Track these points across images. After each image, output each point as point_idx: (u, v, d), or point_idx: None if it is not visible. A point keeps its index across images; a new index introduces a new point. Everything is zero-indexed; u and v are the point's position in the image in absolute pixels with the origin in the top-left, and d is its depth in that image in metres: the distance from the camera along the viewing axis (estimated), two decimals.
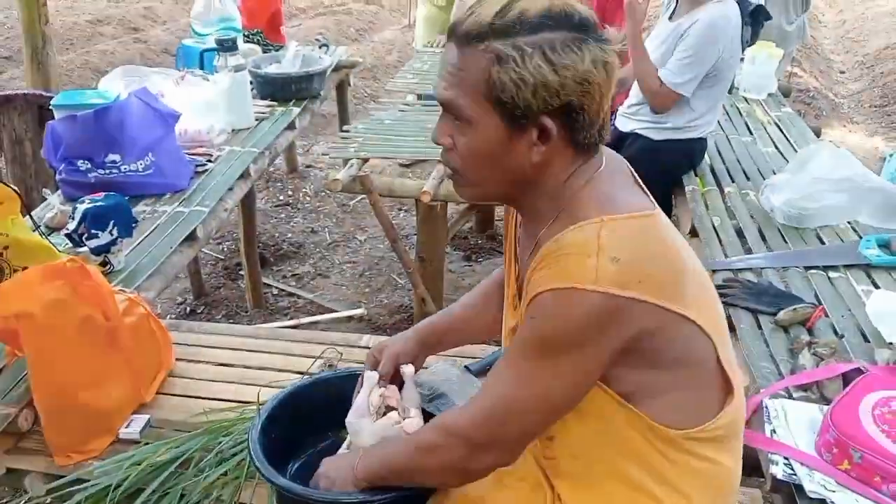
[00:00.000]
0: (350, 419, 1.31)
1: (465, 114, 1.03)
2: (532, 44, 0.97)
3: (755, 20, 2.68)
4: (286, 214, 4.28)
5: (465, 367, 1.69)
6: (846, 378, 1.60)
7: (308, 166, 4.83)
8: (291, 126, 3.18)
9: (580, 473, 1.15)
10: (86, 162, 2.42)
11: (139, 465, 1.40)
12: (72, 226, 1.99)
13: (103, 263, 2.00)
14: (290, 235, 4.04)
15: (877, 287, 2.02)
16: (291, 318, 3.24)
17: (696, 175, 2.79)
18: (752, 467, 1.46)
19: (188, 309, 3.38)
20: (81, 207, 2.00)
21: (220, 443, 1.48)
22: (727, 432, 1.13)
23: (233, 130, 2.96)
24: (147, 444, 1.49)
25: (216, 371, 1.77)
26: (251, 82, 3.21)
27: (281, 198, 4.45)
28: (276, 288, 3.54)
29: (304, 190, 4.54)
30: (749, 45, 2.80)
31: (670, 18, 2.71)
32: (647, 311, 0.98)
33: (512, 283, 1.23)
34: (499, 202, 1.16)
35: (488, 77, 0.99)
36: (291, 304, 3.42)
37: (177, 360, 1.78)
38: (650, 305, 0.97)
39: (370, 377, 1.34)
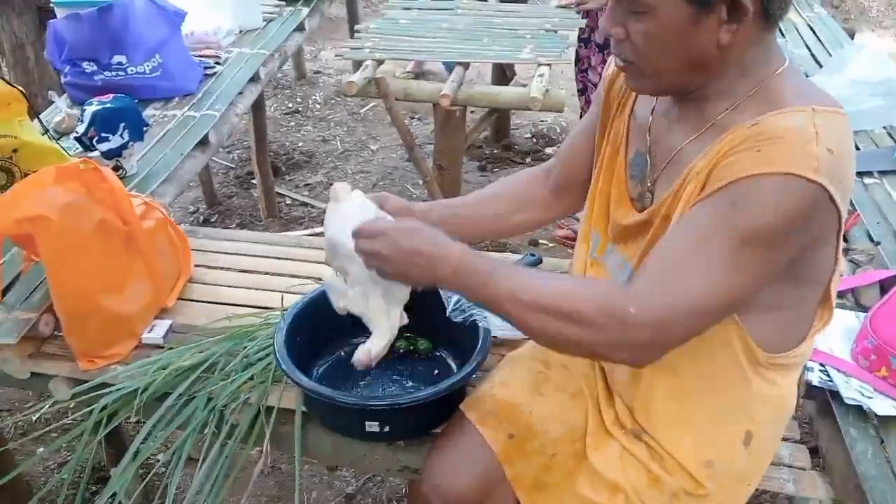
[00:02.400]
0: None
1: (642, 1, 0.93)
2: None
3: None
4: (296, 123, 4.19)
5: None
6: (883, 286, 1.56)
7: (317, 72, 4.69)
8: (300, 27, 3.06)
9: (658, 382, 1.10)
10: (91, 63, 2.33)
11: (164, 369, 1.38)
12: (81, 129, 1.93)
13: (115, 168, 1.94)
14: (300, 144, 3.95)
15: None
16: (306, 228, 3.20)
17: None
18: None
19: (201, 218, 3.34)
20: (90, 110, 1.93)
21: (245, 347, 1.45)
22: (801, 361, 1.11)
23: (240, 31, 2.84)
24: (171, 348, 1.47)
25: (236, 277, 1.73)
26: None
27: (290, 105, 4.34)
28: (290, 197, 3.48)
29: (313, 97, 4.42)
30: None
31: None
32: (831, 216, 0.92)
33: (621, 177, 1.13)
34: (682, 92, 1.01)
35: None
36: (305, 214, 3.37)
37: (196, 266, 1.75)
38: (836, 211, 0.91)
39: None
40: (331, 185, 3.70)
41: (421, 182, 2.92)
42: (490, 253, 2.14)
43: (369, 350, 1.17)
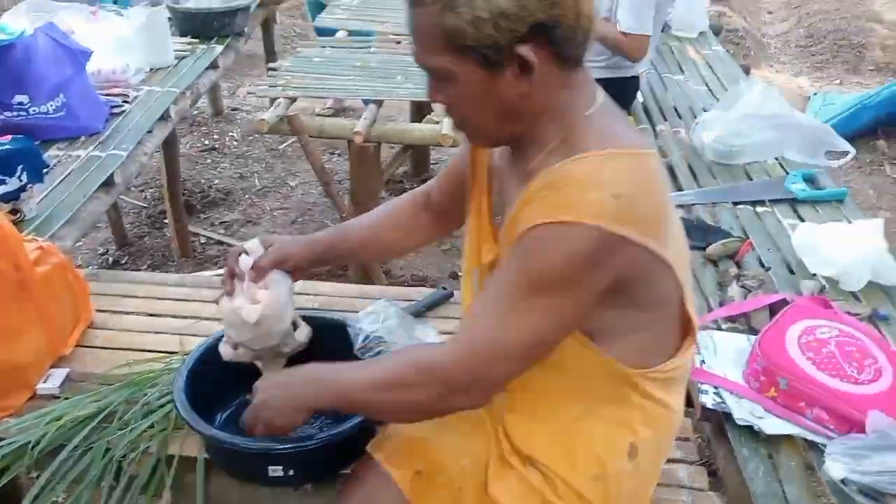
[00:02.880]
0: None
1: (440, 71, 1.00)
2: None
3: None
4: (212, 160, 4.12)
5: (403, 309, 1.66)
6: (773, 309, 1.64)
7: (234, 109, 4.65)
8: (214, 65, 3.04)
9: (530, 407, 1.14)
10: None
11: (58, 420, 1.33)
12: None
13: (13, 211, 1.88)
14: (217, 181, 3.90)
15: (802, 221, 2.07)
16: (221, 267, 3.14)
17: (629, 114, 2.79)
18: (685, 399, 1.50)
19: (111, 259, 3.24)
20: None
21: (146, 395, 1.42)
22: (678, 374, 1.15)
23: (151, 69, 2.80)
24: (67, 398, 1.42)
25: (140, 321, 1.69)
26: (169, 18, 3.04)
27: (206, 142, 4.28)
28: (204, 236, 3.42)
29: (230, 134, 4.37)
30: None
31: None
32: (636, 251, 0.96)
33: (485, 214, 1.18)
34: (512, 142, 1.09)
35: (444, 27, 0.95)
36: (220, 253, 3.31)
37: (97, 311, 1.69)
38: (639, 247, 0.95)
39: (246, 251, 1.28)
40: (248, 222, 3.66)
41: (339, 217, 2.91)
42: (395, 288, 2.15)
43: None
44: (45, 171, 2.01)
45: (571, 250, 0.93)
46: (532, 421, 1.15)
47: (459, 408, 1.08)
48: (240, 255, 1.29)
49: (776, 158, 2.44)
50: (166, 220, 3.29)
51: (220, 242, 3.38)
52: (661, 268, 1.01)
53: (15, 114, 2.27)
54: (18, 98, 2.27)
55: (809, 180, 2.26)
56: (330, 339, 1.39)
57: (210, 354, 1.36)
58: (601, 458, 1.13)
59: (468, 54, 0.97)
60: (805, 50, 6.16)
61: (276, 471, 1.20)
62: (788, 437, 1.36)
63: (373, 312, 1.54)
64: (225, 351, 1.30)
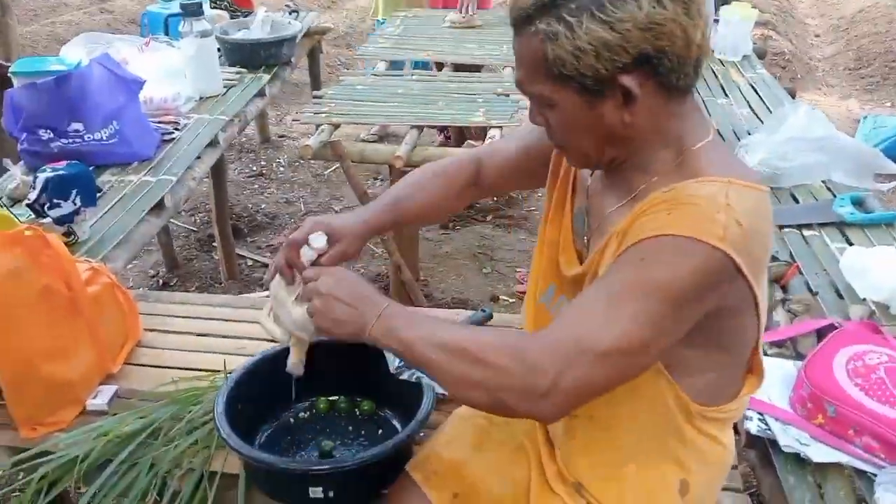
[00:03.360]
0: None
1: (541, 97, 1.00)
2: (578, 9, 0.91)
3: None
4: (260, 185, 4.22)
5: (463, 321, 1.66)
6: (820, 334, 1.60)
7: (281, 136, 4.75)
8: (261, 93, 3.12)
9: (589, 435, 1.12)
10: (48, 131, 2.35)
11: (106, 435, 1.37)
12: (33, 195, 1.93)
13: (67, 234, 1.95)
14: (264, 206, 3.98)
15: (850, 244, 2.02)
16: (267, 289, 3.19)
17: None
18: None
19: (161, 281, 3.33)
20: (42, 176, 1.94)
21: (191, 412, 1.45)
22: (736, 415, 1.14)
23: (200, 98, 2.89)
24: (115, 414, 1.46)
25: (186, 340, 1.73)
26: (219, 49, 3.13)
27: (254, 168, 4.38)
28: (251, 259, 3.49)
29: (277, 160, 4.47)
30: (723, 4, 2.75)
31: None
32: (740, 285, 0.95)
33: (567, 227, 1.16)
34: (613, 165, 1.06)
35: (546, 57, 0.95)
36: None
37: (146, 330, 1.74)
38: (745, 281, 0.94)
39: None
40: None
41: (380, 240, 2.95)
42: (435, 310, 2.16)
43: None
44: (98, 195, 2.08)
45: (692, 265, 0.90)
46: (588, 450, 1.14)
47: (525, 411, 0.96)
48: (301, 246, 1.21)
49: (823, 182, 2.39)
50: (214, 244, 3.37)
51: (265, 265, 3.44)
52: (750, 308, 1.00)
53: (70, 140, 2.35)
54: (74, 125, 2.35)
55: (858, 203, 2.20)
56: (363, 362, 1.40)
57: (251, 374, 1.39)
58: (652, 492, 1.12)
59: (569, 83, 0.96)
60: (854, 73, 6.05)
61: (315, 492, 1.21)
62: (836, 466, 1.32)
63: None
64: (269, 327, 1.27)
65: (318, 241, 1.20)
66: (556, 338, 0.94)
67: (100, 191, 2.07)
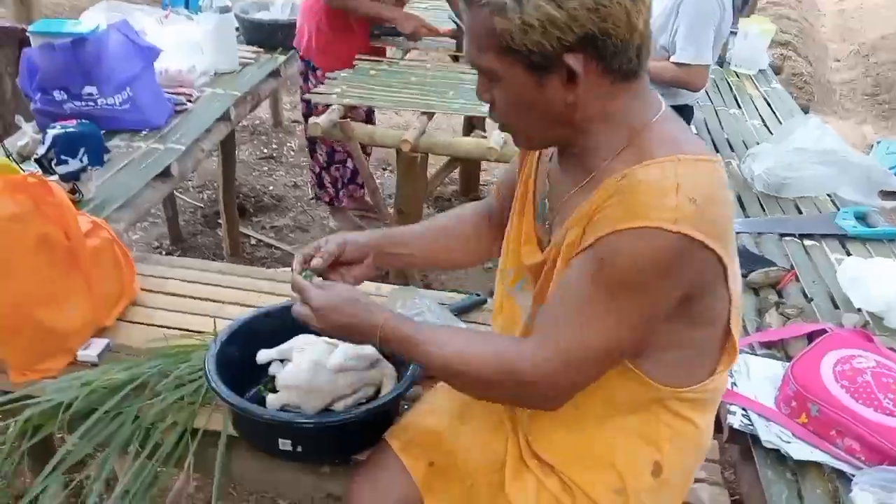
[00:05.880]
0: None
1: (490, 70, 1.01)
2: None
3: None
4: (269, 167, 4.23)
5: (450, 308, 1.68)
6: (811, 339, 1.60)
7: (294, 121, 4.76)
8: (276, 74, 3.13)
9: (555, 415, 1.12)
10: (62, 92, 2.37)
11: (90, 384, 1.38)
12: (41, 150, 1.96)
13: (73, 191, 1.96)
14: (271, 188, 4.00)
15: (850, 256, 2.02)
16: (268, 268, 3.21)
17: None
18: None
19: (164, 253, 3.34)
20: (52, 133, 1.97)
21: (179, 368, 1.46)
22: (711, 396, 1.14)
23: (215, 73, 2.90)
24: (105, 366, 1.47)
25: (181, 302, 1.74)
26: (237, 28, 3.16)
27: (265, 150, 4.40)
28: (254, 238, 3.51)
29: (288, 144, 4.49)
30: (741, 14, 2.75)
31: None
32: (706, 259, 0.96)
33: (528, 216, 1.19)
34: (558, 145, 1.11)
35: (494, 29, 0.97)
36: (269, 255, 3.39)
37: (142, 290, 1.76)
38: (712, 254, 0.95)
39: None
40: (298, 228, 3.73)
41: (383, 226, 2.96)
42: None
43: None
44: (105, 156, 2.10)
45: (653, 255, 0.93)
46: (556, 429, 1.15)
47: (534, 406, 1.12)
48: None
49: (828, 195, 2.39)
50: (220, 221, 3.39)
51: (269, 245, 3.46)
52: (721, 281, 1.01)
53: (84, 104, 2.37)
54: (88, 89, 2.37)
55: (861, 218, 2.20)
56: None
57: (238, 334, 1.40)
58: (623, 472, 1.12)
59: (516, 58, 0.98)
60: (871, 98, 6.04)
61: (285, 444, 1.22)
62: (816, 465, 1.32)
63: (411, 308, 1.55)
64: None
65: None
66: (544, 356, 1.01)
67: (108, 152, 2.09)
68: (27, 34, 2.56)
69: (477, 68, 1.05)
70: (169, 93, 2.65)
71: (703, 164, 0.98)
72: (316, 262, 1.21)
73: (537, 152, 1.21)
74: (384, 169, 4.20)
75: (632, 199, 0.95)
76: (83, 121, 2.08)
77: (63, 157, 1.94)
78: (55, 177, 1.94)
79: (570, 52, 0.96)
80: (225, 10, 2.91)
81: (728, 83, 3.41)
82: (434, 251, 1.36)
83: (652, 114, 1.03)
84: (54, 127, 2.00)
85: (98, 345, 1.53)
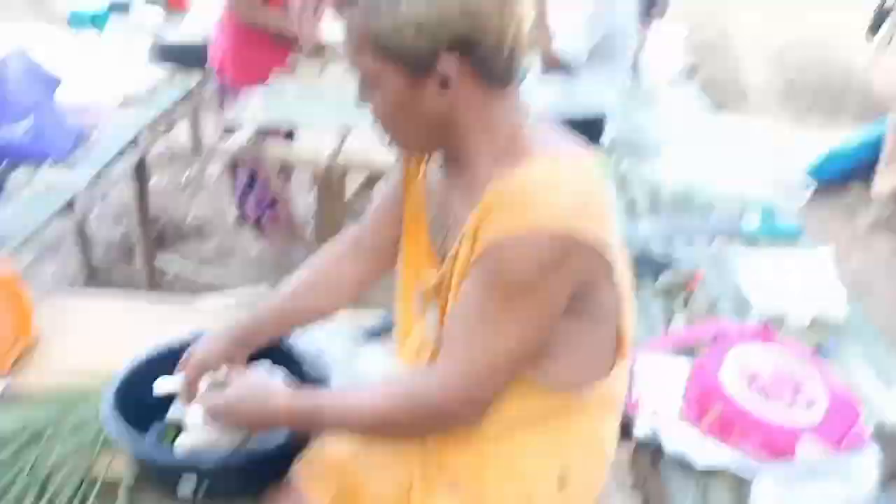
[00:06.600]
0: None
1: (366, 73, 1.03)
2: None
3: None
4: (189, 192, 4.15)
5: (365, 331, 1.66)
6: (716, 338, 1.63)
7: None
8: (189, 96, 3.07)
9: (461, 438, 1.13)
10: None
11: None
12: None
13: None
14: (193, 215, 3.91)
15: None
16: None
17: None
18: (622, 427, 1.48)
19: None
20: None
21: (78, 412, 1.40)
22: (610, 398, 1.15)
23: (124, 97, 2.83)
24: None
25: (86, 340, 1.67)
26: (148, 48, 3.09)
27: (185, 176, 4.31)
28: (172, 269, 3.42)
29: (209, 168, 4.40)
30: (647, 18, 2.81)
31: None
32: (590, 252, 0.98)
33: (423, 240, 1.19)
34: (437, 152, 1.12)
35: (368, 31, 0.98)
36: (188, 286, 3.31)
37: (44, 329, 1.68)
38: (590, 249, 0.98)
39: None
40: (222, 254, 3.64)
41: (299, 242, 2.92)
42: None
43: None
44: (3, 190, 2.02)
45: (537, 257, 0.95)
46: (458, 443, 1.14)
47: (460, 429, 1.10)
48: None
49: (737, 195, 2.46)
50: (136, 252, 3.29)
51: (188, 278, 3.37)
52: (606, 274, 1.03)
53: None
54: None
55: (768, 216, 2.27)
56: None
57: (138, 373, 1.35)
58: (528, 486, 1.12)
59: (391, 60, 0.99)
60: (786, 99, 6.27)
61: (187, 487, 1.19)
62: (721, 471, 1.35)
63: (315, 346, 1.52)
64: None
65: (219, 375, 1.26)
66: (451, 378, 1.03)
67: (1, 187, 2.01)
68: None
69: (354, 71, 1.05)
70: (74, 120, 2.57)
71: (578, 160, 1.02)
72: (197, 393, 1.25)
73: (421, 171, 1.21)
74: (311, 190, 4.16)
75: (513, 204, 0.97)
76: None
77: None
78: None
79: (443, 54, 0.98)
80: (132, 30, 2.84)
81: (641, 89, 3.49)
82: (299, 315, 1.35)
83: (524, 118, 1.06)
84: None
85: None
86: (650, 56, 3.61)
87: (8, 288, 1.59)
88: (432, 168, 1.20)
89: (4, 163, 2.21)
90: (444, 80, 0.99)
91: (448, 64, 0.98)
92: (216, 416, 1.16)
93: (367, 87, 1.05)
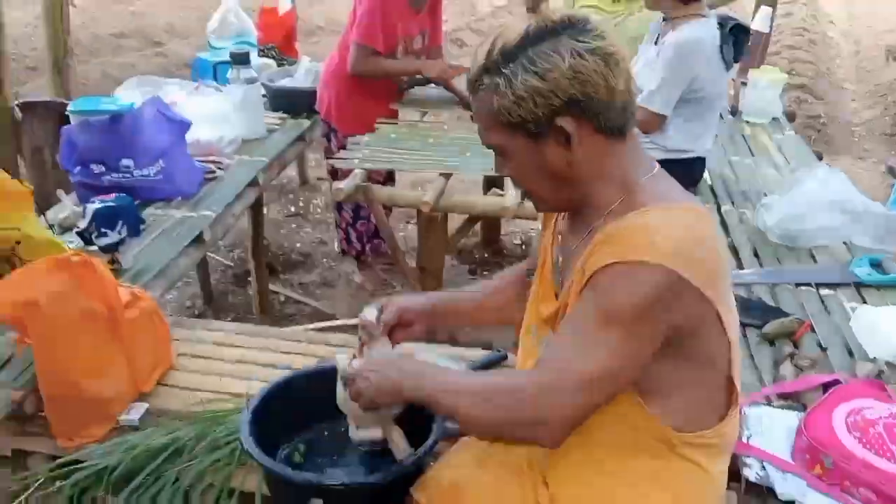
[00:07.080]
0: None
1: (498, 146, 1.15)
2: (515, 66, 1.08)
3: (737, 38, 2.71)
4: (296, 225, 4.36)
5: (473, 364, 1.74)
6: (826, 389, 1.63)
7: (319, 178, 4.91)
8: (301, 138, 3.27)
9: (574, 462, 1.19)
10: (100, 165, 2.50)
11: (134, 449, 1.46)
12: (82, 224, 2.08)
13: (112, 261, 2.07)
14: (298, 245, 4.11)
15: (865, 304, 2.05)
16: (297, 324, 3.30)
17: (694, 195, 2.83)
18: (731, 472, 1.50)
19: (196, 313, 3.45)
20: (92, 207, 2.09)
21: (215, 431, 1.53)
22: (722, 442, 1.19)
23: (243, 141, 3.04)
24: (145, 430, 1.55)
25: (215, 365, 1.82)
26: (264, 95, 3.31)
27: (292, 209, 4.54)
28: (283, 295, 3.61)
29: (314, 202, 4.62)
30: (735, 64, 2.81)
31: (655, 43, 2.75)
32: (695, 297, 1.05)
33: (547, 274, 1.29)
34: (571, 207, 1.22)
35: (494, 108, 1.10)
36: (297, 311, 3.48)
37: (179, 354, 1.84)
38: (696, 292, 1.05)
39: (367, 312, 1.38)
40: (324, 284, 3.81)
41: (410, 283, 3.03)
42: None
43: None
44: (142, 227, 2.21)
45: (640, 287, 1.03)
46: (572, 468, 1.20)
47: (530, 437, 1.12)
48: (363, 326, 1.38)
49: (844, 242, 2.43)
50: (250, 279, 3.50)
51: (297, 301, 3.55)
52: (713, 322, 1.09)
53: (121, 175, 2.50)
54: (125, 161, 2.50)
55: (876, 265, 2.23)
56: None
57: (273, 397, 1.47)
58: None
59: (517, 130, 1.11)
60: (891, 138, 6.06)
61: None
62: None
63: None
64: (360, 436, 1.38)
65: (370, 313, 1.37)
66: (542, 375, 1.10)
67: (143, 222, 2.21)
68: (67, 113, 2.71)
69: (489, 147, 1.17)
70: (200, 161, 2.78)
71: (692, 213, 1.10)
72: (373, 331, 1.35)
73: (555, 217, 1.31)
74: (407, 222, 4.30)
75: (625, 239, 1.06)
76: (120, 194, 2.20)
77: (103, 229, 2.06)
78: (95, 248, 2.06)
79: (560, 115, 1.08)
80: (251, 80, 3.06)
81: (742, 134, 3.48)
82: (485, 314, 1.49)
83: (644, 171, 1.15)
84: (94, 202, 2.12)
85: (138, 409, 1.61)
86: (749, 101, 3.60)
87: (151, 318, 1.75)
88: (563, 215, 1.30)
89: (139, 201, 2.41)
90: (566, 137, 1.10)
91: (565, 122, 1.09)
92: (353, 385, 1.24)
93: (502, 158, 1.17)
